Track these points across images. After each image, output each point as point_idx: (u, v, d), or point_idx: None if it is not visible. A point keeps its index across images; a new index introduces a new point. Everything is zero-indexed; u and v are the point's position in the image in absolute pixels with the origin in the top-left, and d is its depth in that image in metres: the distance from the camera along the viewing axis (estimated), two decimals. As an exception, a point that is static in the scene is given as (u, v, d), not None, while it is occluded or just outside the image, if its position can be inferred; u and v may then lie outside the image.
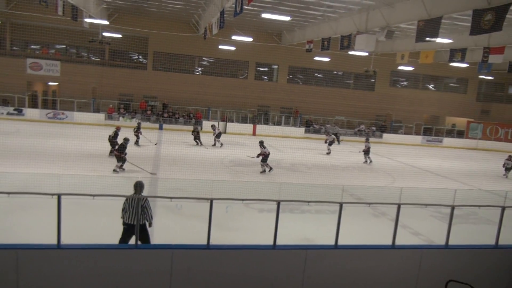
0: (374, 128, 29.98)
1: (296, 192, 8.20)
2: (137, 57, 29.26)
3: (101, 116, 25.43)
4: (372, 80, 31.70)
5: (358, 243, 6.80)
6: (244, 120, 28.30)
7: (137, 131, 18.83)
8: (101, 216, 8.13)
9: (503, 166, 18.82)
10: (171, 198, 5.89)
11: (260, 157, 15.26)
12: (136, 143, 18.63)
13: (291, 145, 22.62)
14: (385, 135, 29.69)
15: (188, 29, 26.60)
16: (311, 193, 8.09)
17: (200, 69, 29.92)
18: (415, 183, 15.42)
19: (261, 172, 15.15)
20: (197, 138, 20.47)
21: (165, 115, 26.37)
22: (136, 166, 13.23)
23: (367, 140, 19.89)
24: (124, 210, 6.52)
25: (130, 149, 14.55)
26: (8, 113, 23.88)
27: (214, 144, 20.66)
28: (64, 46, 28.06)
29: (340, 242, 6.32)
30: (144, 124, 25.44)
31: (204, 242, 5.87)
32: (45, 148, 15.65)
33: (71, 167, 12.48)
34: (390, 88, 32.20)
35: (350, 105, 30.41)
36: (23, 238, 5.64)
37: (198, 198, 6.05)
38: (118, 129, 16.32)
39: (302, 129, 28.22)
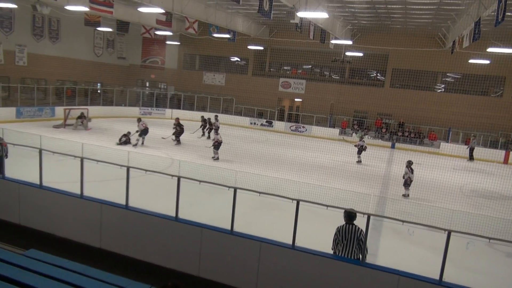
0: None
1: None
2: (375, 74, 29.49)
3: (335, 131, 26.87)
4: None
5: None
6: (493, 145, 24.29)
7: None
8: (329, 226, 8.54)
9: None
10: (402, 221, 5.61)
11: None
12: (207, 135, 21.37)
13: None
14: None
15: (432, 43, 24.93)
16: None
17: (442, 86, 27.55)
18: None
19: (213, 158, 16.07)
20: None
21: (399, 133, 25.50)
22: None
23: None
24: (335, 241, 5.85)
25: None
26: (261, 124, 28.31)
27: (203, 134, 21.34)
28: (310, 66, 31.15)
29: None
30: (375, 141, 25.41)
31: (435, 275, 5.33)
32: (287, 156, 17.73)
33: (307, 176, 13.66)
34: None
35: None
36: (265, 232, 6.48)
37: (432, 226, 5.54)
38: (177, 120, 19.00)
39: None
